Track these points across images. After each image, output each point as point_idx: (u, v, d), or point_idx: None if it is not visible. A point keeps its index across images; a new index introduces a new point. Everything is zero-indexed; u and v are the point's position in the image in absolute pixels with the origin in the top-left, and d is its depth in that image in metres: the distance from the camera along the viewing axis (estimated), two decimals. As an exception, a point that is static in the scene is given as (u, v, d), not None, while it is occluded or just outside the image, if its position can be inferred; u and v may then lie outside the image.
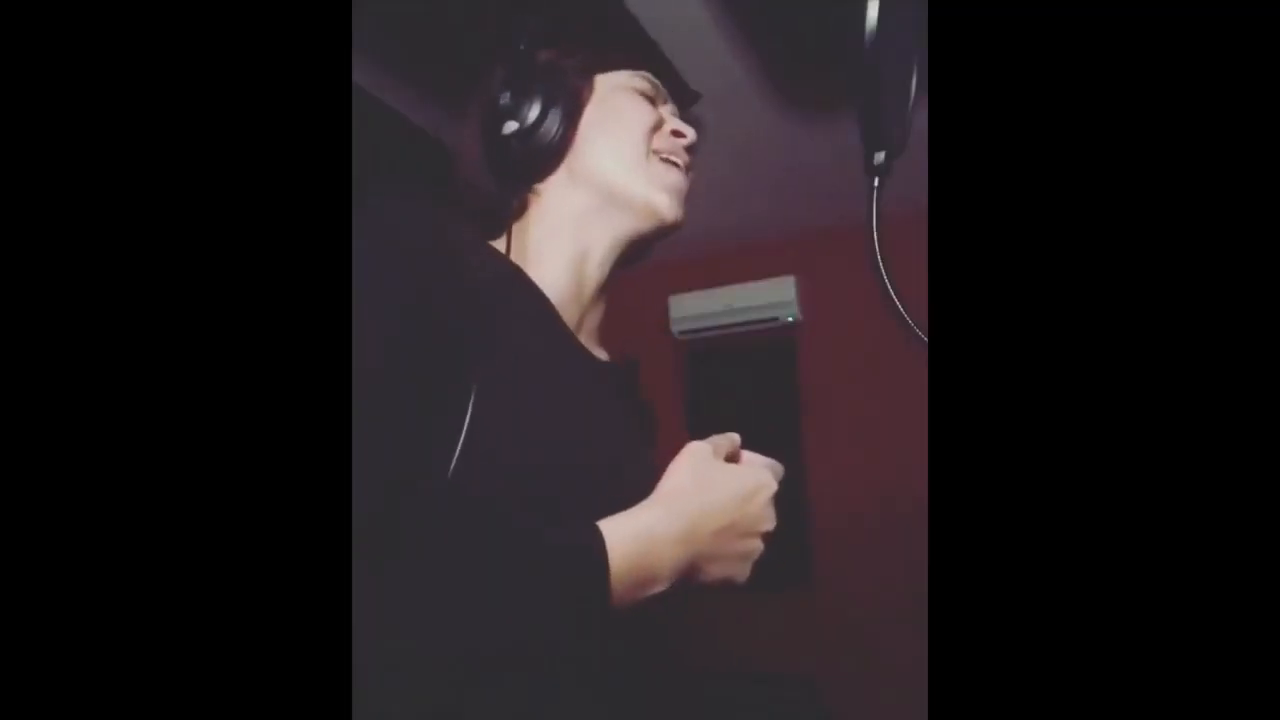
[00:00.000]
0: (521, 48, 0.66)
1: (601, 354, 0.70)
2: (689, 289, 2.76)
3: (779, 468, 0.62)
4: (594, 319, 0.70)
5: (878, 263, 0.44)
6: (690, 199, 0.69)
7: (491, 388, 0.51)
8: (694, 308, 2.75)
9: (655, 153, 0.67)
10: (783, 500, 0.59)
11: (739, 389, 2.76)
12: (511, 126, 0.64)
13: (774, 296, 2.64)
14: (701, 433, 0.58)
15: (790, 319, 2.66)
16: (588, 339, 0.69)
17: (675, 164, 0.68)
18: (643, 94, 0.69)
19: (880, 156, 0.46)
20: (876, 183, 0.47)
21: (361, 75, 1.72)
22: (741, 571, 0.56)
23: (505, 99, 0.65)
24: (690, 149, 0.70)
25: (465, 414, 0.50)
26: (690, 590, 0.54)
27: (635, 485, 0.56)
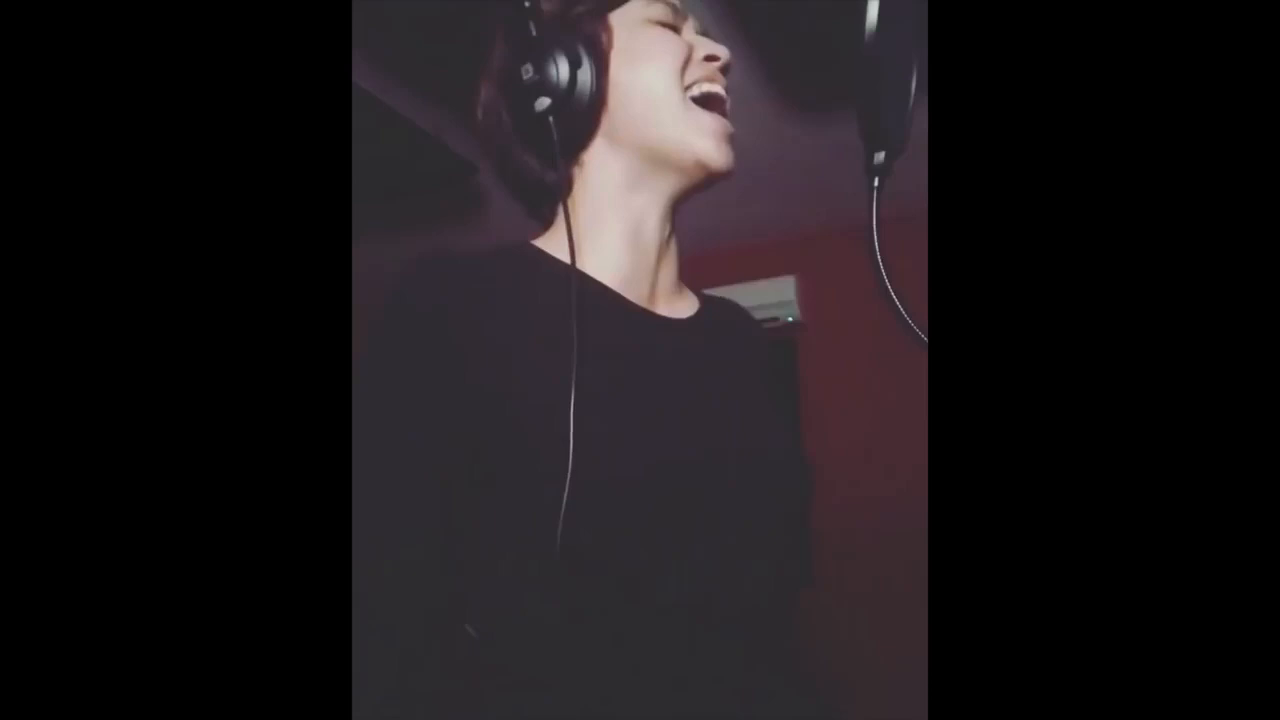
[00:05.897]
0: (526, 3, 0.60)
1: (685, 309, 0.68)
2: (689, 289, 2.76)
3: None
4: (668, 275, 0.67)
5: (878, 263, 0.44)
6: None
7: (586, 395, 0.50)
8: (694, 308, 2.75)
9: (690, 89, 0.62)
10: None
11: (739, 389, 2.75)
12: (544, 102, 0.60)
13: (774, 296, 2.64)
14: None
15: (790, 319, 2.66)
16: (668, 299, 0.67)
17: (716, 96, 0.64)
18: (664, 23, 0.64)
19: (880, 156, 0.46)
20: (876, 183, 0.47)
21: (362, 76, 1.72)
22: None
23: (528, 72, 0.60)
24: (725, 70, 0.65)
25: (569, 428, 0.49)
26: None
27: (754, 429, 0.60)
